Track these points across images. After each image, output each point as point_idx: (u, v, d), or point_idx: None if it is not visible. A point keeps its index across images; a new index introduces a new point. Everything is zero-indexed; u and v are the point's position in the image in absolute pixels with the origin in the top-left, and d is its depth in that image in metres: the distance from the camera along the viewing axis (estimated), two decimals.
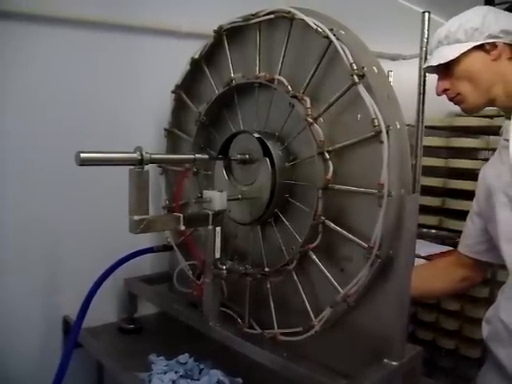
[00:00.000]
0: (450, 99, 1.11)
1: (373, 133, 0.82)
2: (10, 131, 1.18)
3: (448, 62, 1.05)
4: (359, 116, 0.85)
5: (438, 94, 1.12)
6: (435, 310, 2.13)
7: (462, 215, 2.07)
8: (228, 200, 1.01)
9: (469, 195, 1.98)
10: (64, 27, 1.22)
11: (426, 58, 1.49)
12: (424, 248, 1.77)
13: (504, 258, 1.04)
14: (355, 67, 0.83)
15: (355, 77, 0.83)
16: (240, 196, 1.05)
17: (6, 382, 1.21)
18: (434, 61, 1.08)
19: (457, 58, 1.04)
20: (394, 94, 0.87)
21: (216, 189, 1.01)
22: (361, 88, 0.83)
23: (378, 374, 0.82)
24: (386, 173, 0.80)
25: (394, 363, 0.84)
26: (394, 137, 0.82)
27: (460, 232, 2.01)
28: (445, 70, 1.08)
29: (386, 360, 0.85)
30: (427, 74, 1.49)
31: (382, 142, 0.81)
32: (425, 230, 2.07)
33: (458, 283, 1.22)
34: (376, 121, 0.81)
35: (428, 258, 1.68)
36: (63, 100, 1.24)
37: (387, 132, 0.80)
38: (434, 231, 2.07)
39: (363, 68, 0.83)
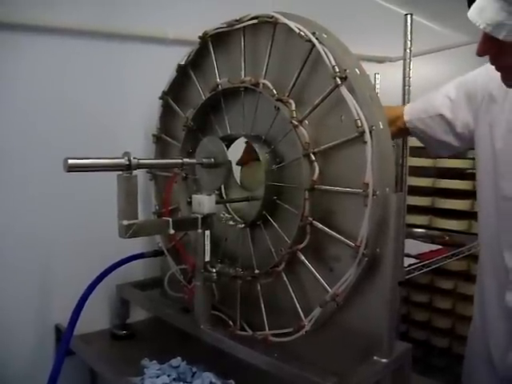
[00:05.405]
0: (498, 69, 0.89)
1: (356, 133, 0.83)
2: None
3: None
4: (343, 117, 0.87)
5: (479, 55, 0.85)
6: (428, 310, 2.15)
7: (451, 214, 2.10)
8: (238, 201, 1.10)
9: (458, 194, 2.02)
10: (49, 36, 1.21)
11: (410, 60, 1.52)
12: (414, 247, 1.80)
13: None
14: (337, 70, 0.84)
15: (338, 79, 0.84)
16: (249, 197, 1.12)
17: None
18: (499, 34, 0.74)
19: None
20: (376, 94, 0.89)
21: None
22: (343, 90, 0.84)
23: (367, 371, 0.83)
24: (371, 172, 0.81)
25: (383, 360, 0.85)
26: (378, 137, 0.83)
27: (449, 231, 2.05)
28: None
29: (375, 357, 0.86)
30: (411, 76, 1.51)
31: (365, 143, 0.82)
32: (415, 229, 2.09)
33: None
34: (359, 121, 0.82)
35: (418, 256, 1.70)
36: (49, 109, 1.23)
37: (370, 132, 0.82)
38: (423, 230, 2.10)
39: (345, 70, 0.84)
